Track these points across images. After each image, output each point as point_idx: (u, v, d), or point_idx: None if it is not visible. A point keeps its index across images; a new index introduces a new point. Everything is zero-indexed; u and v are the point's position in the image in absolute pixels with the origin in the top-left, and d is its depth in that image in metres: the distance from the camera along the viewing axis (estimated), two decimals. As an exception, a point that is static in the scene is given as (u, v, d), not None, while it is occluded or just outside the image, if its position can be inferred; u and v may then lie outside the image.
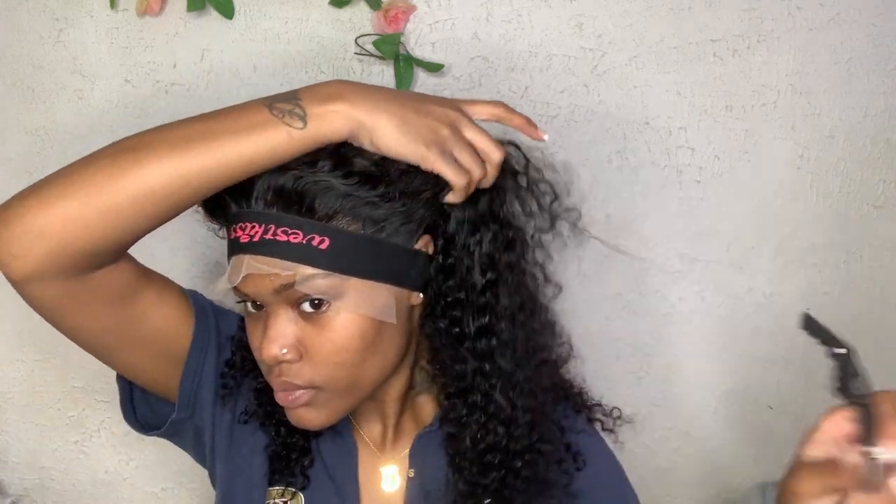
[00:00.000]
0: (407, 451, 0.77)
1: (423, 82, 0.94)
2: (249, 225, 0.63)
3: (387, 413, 0.76)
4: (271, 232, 0.62)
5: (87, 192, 0.59)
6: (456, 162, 0.65)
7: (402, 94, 0.66)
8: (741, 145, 1.00)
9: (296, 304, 0.64)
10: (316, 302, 0.64)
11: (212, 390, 0.75)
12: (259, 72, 0.94)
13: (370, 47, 0.92)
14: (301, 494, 0.75)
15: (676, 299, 1.05)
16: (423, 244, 0.67)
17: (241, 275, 0.63)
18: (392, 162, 0.64)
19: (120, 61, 0.93)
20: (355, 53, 0.93)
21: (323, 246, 0.63)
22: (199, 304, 0.74)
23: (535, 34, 0.95)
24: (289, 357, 0.64)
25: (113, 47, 0.92)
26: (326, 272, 0.63)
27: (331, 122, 0.62)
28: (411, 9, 0.91)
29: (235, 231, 0.64)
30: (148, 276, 0.69)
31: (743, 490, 1.12)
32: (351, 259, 0.64)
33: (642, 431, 1.10)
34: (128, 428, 0.76)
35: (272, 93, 0.97)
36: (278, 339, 0.64)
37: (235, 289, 0.65)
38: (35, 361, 1.01)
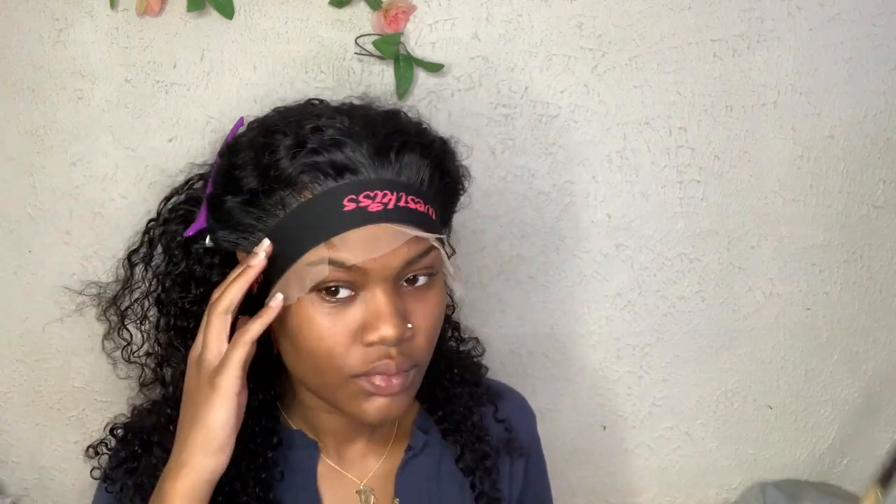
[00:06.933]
0: (389, 470, 0.73)
1: (423, 82, 0.94)
2: (381, 193, 0.59)
3: None
4: (403, 200, 0.60)
5: None
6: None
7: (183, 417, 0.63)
8: (741, 145, 1.00)
9: (399, 279, 0.61)
10: (413, 277, 0.61)
11: None
12: (259, 72, 0.94)
13: (370, 47, 0.92)
14: None
15: (676, 299, 1.05)
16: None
17: (393, 245, 0.58)
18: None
19: (120, 61, 0.93)
20: (355, 53, 0.93)
21: (434, 216, 0.63)
22: None
23: (535, 34, 0.95)
24: (410, 333, 0.60)
25: (113, 47, 0.92)
26: (439, 243, 0.62)
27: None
28: (411, 9, 0.91)
29: (360, 200, 0.59)
30: None
31: (743, 490, 1.12)
32: (443, 232, 0.66)
33: (642, 431, 1.10)
34: (128, 428, 0.75)
35: (272, 93, 0.97)
36: (400, 314, 0.59)
37: (336, 267, 0.58)
38: (35, 361, 1.01)
